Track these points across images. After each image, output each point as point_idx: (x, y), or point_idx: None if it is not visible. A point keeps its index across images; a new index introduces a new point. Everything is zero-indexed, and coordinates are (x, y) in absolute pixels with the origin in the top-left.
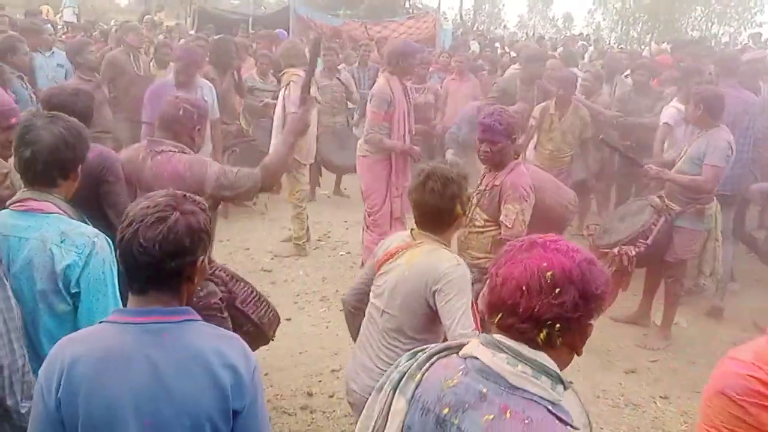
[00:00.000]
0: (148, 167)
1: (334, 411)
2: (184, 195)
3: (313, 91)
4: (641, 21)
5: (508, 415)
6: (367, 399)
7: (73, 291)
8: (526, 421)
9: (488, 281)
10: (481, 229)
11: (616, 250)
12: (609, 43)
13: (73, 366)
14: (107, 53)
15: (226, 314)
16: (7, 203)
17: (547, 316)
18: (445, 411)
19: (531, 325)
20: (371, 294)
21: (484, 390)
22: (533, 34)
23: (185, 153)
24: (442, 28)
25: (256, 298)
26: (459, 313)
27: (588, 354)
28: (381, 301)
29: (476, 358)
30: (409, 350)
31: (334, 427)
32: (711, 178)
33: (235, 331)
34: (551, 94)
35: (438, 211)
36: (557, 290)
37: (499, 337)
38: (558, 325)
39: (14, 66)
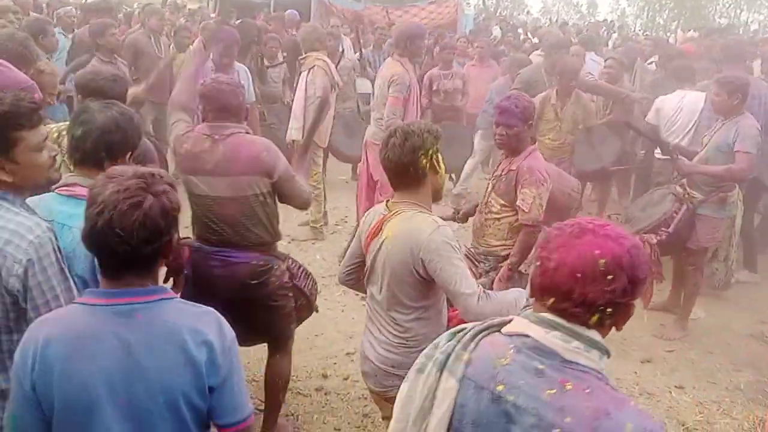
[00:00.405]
0: (221, 151)
1: (348, 393)
2: (152, 174)
3: (335, 75)
4: (667, 8)
5: (568, 387)
6: (382, 368)
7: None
8: (587, 391)
9: (539, 264)
10: (497, 215)
11: (645, 238)
12: (634, 30)
13: (46, 347)
14: (129, 36)
15: (291, 293)
16: (53, 186)
17: (600, 302)
18: (500, 388)
19: (584, 310)
20: (366, 274)
21: (540, 366)
22: (557, 20)
23: (249, 134)
24: (464, 13)
25: (304, 272)
26: (457, 277)
27: (605, 343)
28: (376, 278)
29: (527, 336)
30: (413, 318)
31: (348, 409)
32: (746, 165)
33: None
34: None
35: (402, 166)
36: (609, 277)
37: (550, 316)
38: (609, 310)
39: (44, 48)
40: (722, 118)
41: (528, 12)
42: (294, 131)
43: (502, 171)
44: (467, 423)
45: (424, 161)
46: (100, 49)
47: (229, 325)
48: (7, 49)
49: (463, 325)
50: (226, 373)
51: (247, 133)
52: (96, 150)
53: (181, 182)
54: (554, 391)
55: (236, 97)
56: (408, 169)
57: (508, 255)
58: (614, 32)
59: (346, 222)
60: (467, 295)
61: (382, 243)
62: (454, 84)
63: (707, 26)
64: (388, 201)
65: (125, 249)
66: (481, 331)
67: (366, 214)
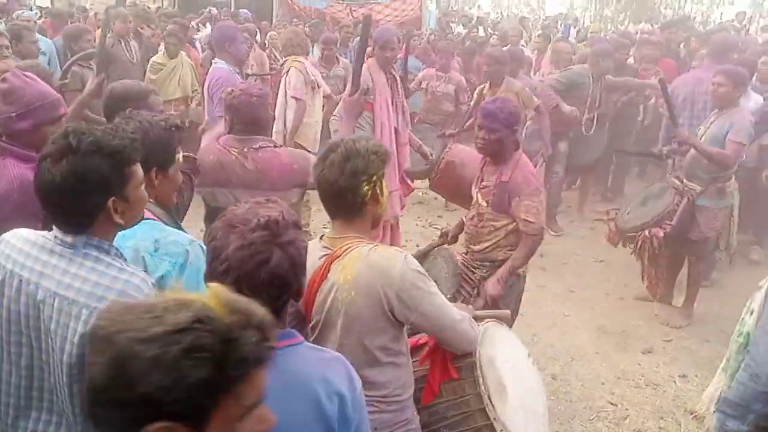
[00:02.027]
0: (250, 165)
1: None
2: (276, 221)
3: (315, 77)
4: (614, 0)
5: None
6: None
7: None
8: None
9: None
10: (494, 223)
11: (646, 232)
12: (582, 23)
13: None
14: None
15: None
16: None
17: None
18: None
19: None
20: (314, 333)
21: None
22: (507, 14)
23: (278, 146)
24: (428, 10)
25: None
26: (444, 307)
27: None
28: (332, 335)
29: None
30: (389, 370)
31: None
32: (735, 153)
33: None
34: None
35: (339, 190)
36: None
37: None
38: None
39: (20, 55)
40: (717, 110)
41: (479, 6)
42: (276, 134)
43: (493, 182)
44: None
45: (366, 188)
46: (75, 54)
47: (356, 373)
48: None
49: None
50: (356, 426)
51: (275, 146)
52: None
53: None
54: None
55: (266, 110)
56: (346, 195)
57: (505, 259)
58: (572, 26)
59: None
60: (459, 322)
61: (335, 290)
62: (446, 89)
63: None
64: (323, 236)
65: None
66: None
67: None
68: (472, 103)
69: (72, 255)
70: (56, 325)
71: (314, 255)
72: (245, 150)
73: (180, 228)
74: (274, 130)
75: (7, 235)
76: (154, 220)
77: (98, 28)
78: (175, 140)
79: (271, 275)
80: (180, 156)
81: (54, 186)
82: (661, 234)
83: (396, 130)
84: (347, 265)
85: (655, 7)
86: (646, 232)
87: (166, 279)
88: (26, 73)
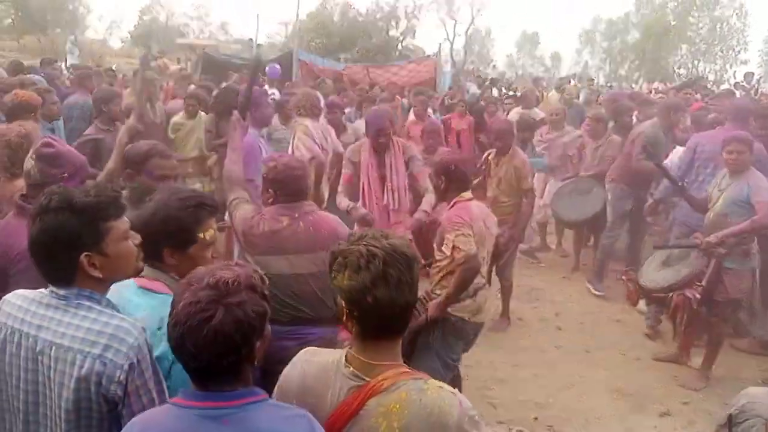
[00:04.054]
0: (303, 229)
1: None
2: (229, 282)
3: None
4: (628, 59)
5: None
6: None
7: (165, 383)
8: None
9: None
10: (438, 262)
11: (688, 293)
12: (596, 83)
13: None
14: (127, 101)
15: None
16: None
17: None
18: None
19: None
20: None
21: None
22: (521, 73)
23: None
24: (443, 71)
25: None
26: None
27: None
28: None
29: None
30: None
31: None
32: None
33: None
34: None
35: (407, 308)
36: None
37: None
38: None
39: (43, 117)
40: (727, 174)
41: (494, 66)
42: None
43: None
44: None
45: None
46: (101, 116)
47: (321, 427)
48: None
49: None
50: None
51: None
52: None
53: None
54: None
55: (307, 177)
56: (405, 313)
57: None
58: (583, 87)
59: None
60: None
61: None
62: None
63: (669, 77)
64: (347, 356)
65: (199, 364)
66: None
67: (287, 375)
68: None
69: (66, 306)
70: (54, 373)
71: (339, 382)
72: (296, 215)
73: None
74: None
75: (8, 296)
76: (169, 296)
77: (126, 88)
78: (193, 219)
79: (214, 333)
80: (209, 234)
81: (31, 242)
82: (697, 296)
83: (387, 208)
84: (394, 410)
85: (669, 66)
86: (686, 293)
87: (162, 360)
88: (57, 138)
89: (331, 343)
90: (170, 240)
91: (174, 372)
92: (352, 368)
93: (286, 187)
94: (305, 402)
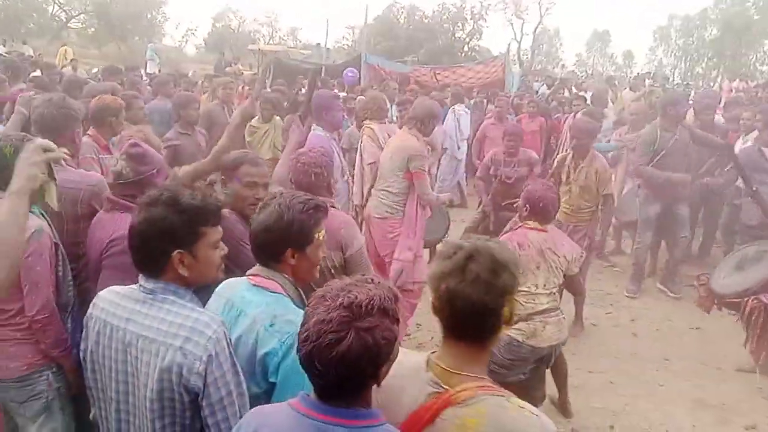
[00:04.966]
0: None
1: None
2: (361, 305)
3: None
4: (706, 56)
5: None
6: None
7: (270, 380)
8: None
9: None
10: None
11: (764, 298)
12: (672, 80)
13: None
14: (204, 106)
15: None
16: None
17: None
18: None
19: None
20: None
21: None
22: (592, 72)
23: (333, 208)
24: (510, 72)
25: None
26: None
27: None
28: None
29: None
30: None
31: None
32: None
33: None
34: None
35: (482, 310)
36: None
37: None
38: None
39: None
40: None
41: (563, 65)
42: (356, 196)
43: None
44: None
45: (507, 310)
46: (180, 120)
47: None
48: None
49: None
50: None
51: (332, 206)
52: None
53: None
54: None
55: (318, 177)
56: (488, 317)
57: None
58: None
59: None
60: None
61: None
62: (518, 172)
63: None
64: (429, 361)
65: (326, 381)
66: None
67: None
68: (552, 170)
69: (152, 300)
70: (140, 364)
71: (417, 386)
72: None
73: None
74: (354, 191)
75: (101, 293)
76: (282, 295)
77: (203, 94)
78: (313, 221)
79: (341, 356)
80: (320, 234)
81: (133, 229)
82: None
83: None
84: (470, 424)
85: (750, 63)
86: (762, 298)
87: (271, 356)
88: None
89: None
90: (293, 241)
91: (282, 368)
92: (432, 374)
93: (298, 183)
94: (381, 399)
